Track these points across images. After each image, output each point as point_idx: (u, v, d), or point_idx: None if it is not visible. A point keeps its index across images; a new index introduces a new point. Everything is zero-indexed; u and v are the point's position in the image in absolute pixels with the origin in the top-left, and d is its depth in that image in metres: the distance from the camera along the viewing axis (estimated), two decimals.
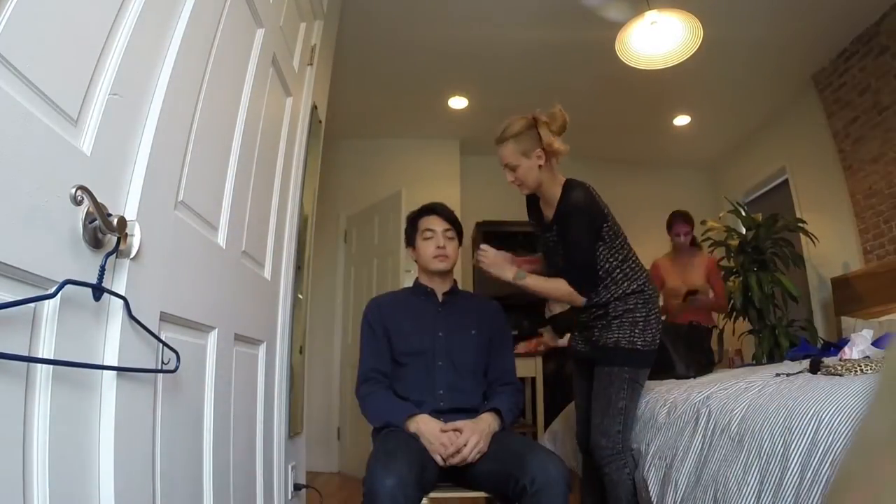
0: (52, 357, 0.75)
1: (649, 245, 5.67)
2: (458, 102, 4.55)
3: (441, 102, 4.58)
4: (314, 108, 2.38)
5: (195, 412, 1.24)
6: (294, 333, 2.12)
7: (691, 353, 3.00)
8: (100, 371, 0.87)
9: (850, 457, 0.20)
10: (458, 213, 1.99)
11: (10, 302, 0.66)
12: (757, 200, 5.29)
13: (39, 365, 0.73)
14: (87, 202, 0.77)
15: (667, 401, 2.06)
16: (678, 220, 3.78)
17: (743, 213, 4.44)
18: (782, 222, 4.18)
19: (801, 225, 4.14)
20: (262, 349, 1.76)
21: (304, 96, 2.25)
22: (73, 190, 0.75)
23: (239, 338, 1.51)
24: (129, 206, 0.95)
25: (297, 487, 2.06)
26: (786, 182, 4.85)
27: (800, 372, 1.96)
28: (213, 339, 1.33)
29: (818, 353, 2.67)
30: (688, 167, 5.90)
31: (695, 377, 2.69)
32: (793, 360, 2.72)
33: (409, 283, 2.11)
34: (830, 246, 4.18)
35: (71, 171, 0.79)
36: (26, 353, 0.71)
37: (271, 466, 1.78)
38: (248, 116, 1.56)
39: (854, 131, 3.93)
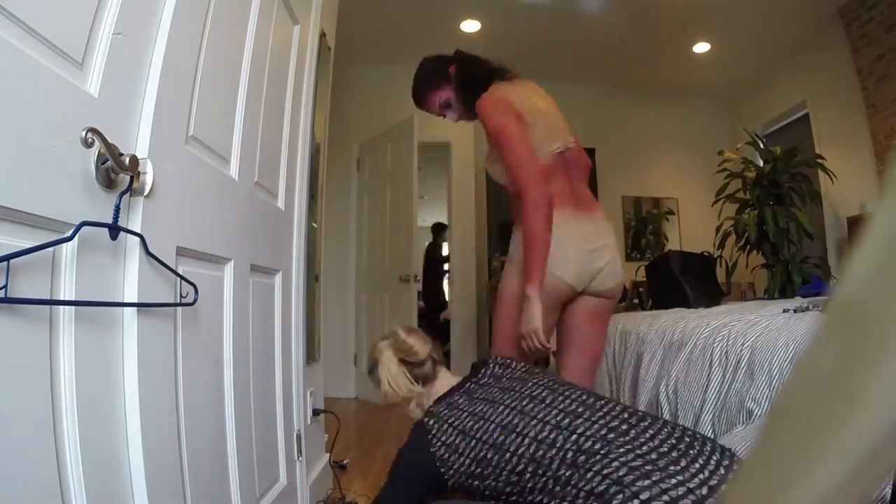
0: (73, 298, 0.77)
1: (666, 172, 5.59)
2: (470, 26, 4.38)
3: (453, 26, 4.40)
4: (322, 35, 2.29)
5: (215, 343, 1.28)
6: (309, 262, 2.15)
7: (701, 283, 3.01)
8: (120, 308, 0.89)
9: (790, 387, 0.21)
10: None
11: (30, 248, 0.67)
12: (776, 133, 5.14)
13: (62, 307, 0.75)
14: (97, 144, 0.77)
15: (676, 329, 2.13)
16: None
17: (761, 146, 4.33)
18: (801, 157, 4.07)
19: (819, 161, 4.04)
20: (278, 279, 1.79)
21: (312, 24, 2.16)
22: (84, 133, 0.74)
23: (255, 268, 1.53)
24: (140, 145, 0.94)
25: (315, 412, 2.13)
26: (806, 116, 4.69)
27: (807, 309, 1.98)
28: (229, 270, 1.34)
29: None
30: (706, 96, 5.71)
31: (706, 307, 2.72)
32: (804, 296, 2.74)
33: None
34: (848, 184, 4.08)
35: (80, 115, 0.78)
36: (48, 297, 0.73)
37: (290, 393, 1.84)
38: (255, 46, 1.50)
39: (879, 69, 3.75)
